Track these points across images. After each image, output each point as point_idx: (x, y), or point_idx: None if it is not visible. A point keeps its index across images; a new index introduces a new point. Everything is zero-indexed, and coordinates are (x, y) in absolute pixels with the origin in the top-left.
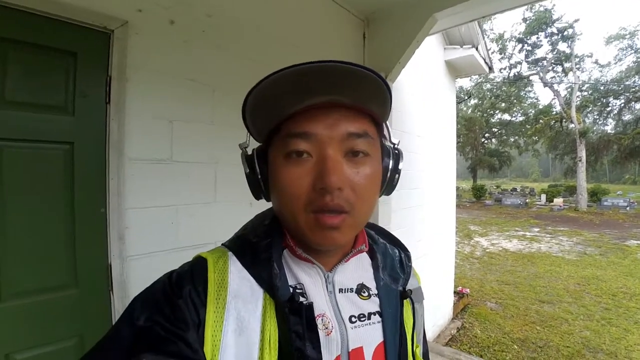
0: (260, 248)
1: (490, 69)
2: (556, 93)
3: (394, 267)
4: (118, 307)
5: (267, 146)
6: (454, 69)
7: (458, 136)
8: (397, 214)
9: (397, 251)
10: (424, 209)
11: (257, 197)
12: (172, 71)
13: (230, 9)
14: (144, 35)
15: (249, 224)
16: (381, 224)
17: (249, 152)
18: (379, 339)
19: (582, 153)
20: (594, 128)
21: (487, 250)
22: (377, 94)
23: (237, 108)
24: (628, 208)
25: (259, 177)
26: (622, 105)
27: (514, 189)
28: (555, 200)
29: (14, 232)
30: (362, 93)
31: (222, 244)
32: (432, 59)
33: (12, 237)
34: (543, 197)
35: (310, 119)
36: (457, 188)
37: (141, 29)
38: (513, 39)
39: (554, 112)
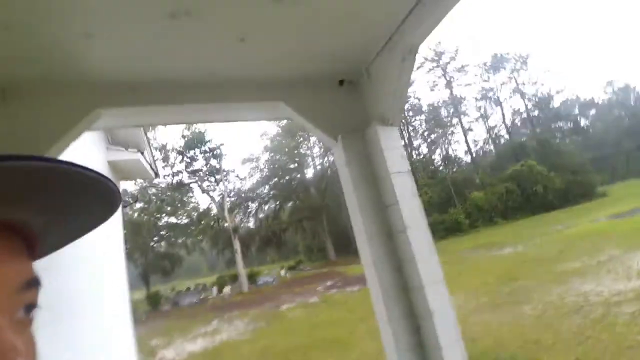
0: None
1: (157, 174)
2: (212, 199)
3: None
4: None
5: None
6: (119, 171)
7: (125, 242)
8: None
9: None
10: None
11: None
12: None
13: None
14: None
15: None
16: None
17: None
18: None
19: (237, 245)
20: (242, 225)
21: None
22: None
23: None
24: (274, 282)
25: None
26: (257, 207)
27: (189, 288)
28: (224, 289)
29: None
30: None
31: None
32: (93, 157)
33: None
34: (214, 289)
35: None
36: (131, 301)
37: None
38: (175, 150)
39: (212, 214)
